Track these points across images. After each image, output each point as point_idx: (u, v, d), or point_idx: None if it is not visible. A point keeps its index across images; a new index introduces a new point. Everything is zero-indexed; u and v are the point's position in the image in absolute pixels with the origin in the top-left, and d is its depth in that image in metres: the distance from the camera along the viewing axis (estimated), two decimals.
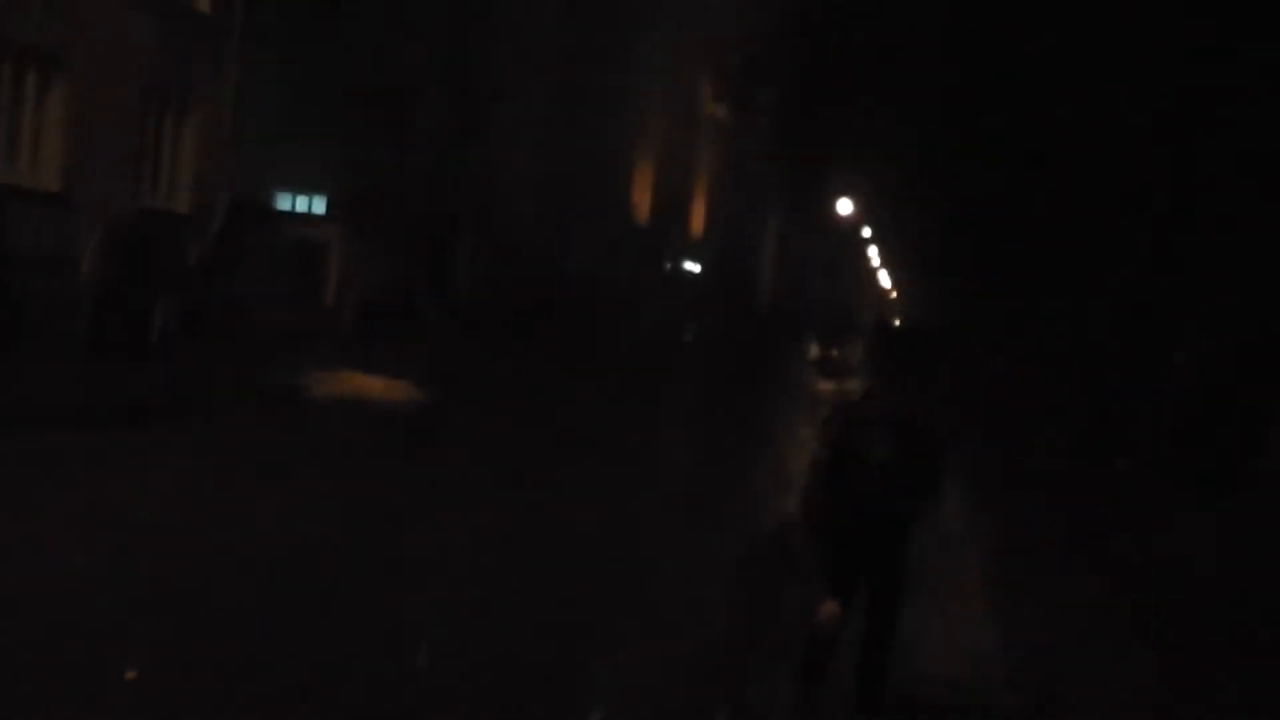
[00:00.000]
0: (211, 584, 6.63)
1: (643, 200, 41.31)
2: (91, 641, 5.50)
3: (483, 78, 30.69)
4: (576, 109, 31.82)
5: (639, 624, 6.91)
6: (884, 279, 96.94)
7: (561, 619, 6.77)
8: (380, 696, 5.29)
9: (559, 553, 8.34)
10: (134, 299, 16.54)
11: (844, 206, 67.69)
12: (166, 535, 7.56)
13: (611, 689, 5.74)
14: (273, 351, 17.62)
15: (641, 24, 36.08)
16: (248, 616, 6.13)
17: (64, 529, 7.42)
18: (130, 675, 5.12)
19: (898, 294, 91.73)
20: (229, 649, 5.62)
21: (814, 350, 36.92)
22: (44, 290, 14.97)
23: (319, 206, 30.31)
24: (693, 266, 49.71)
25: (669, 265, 45.67)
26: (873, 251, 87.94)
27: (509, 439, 13.65)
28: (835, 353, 35.11)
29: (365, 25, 30.96)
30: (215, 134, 19.72)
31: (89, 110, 16.68)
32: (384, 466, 11.20)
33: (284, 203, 31.08)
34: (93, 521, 7.67)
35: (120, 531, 7.49)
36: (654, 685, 5.86)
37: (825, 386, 26.74)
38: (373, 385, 16.36)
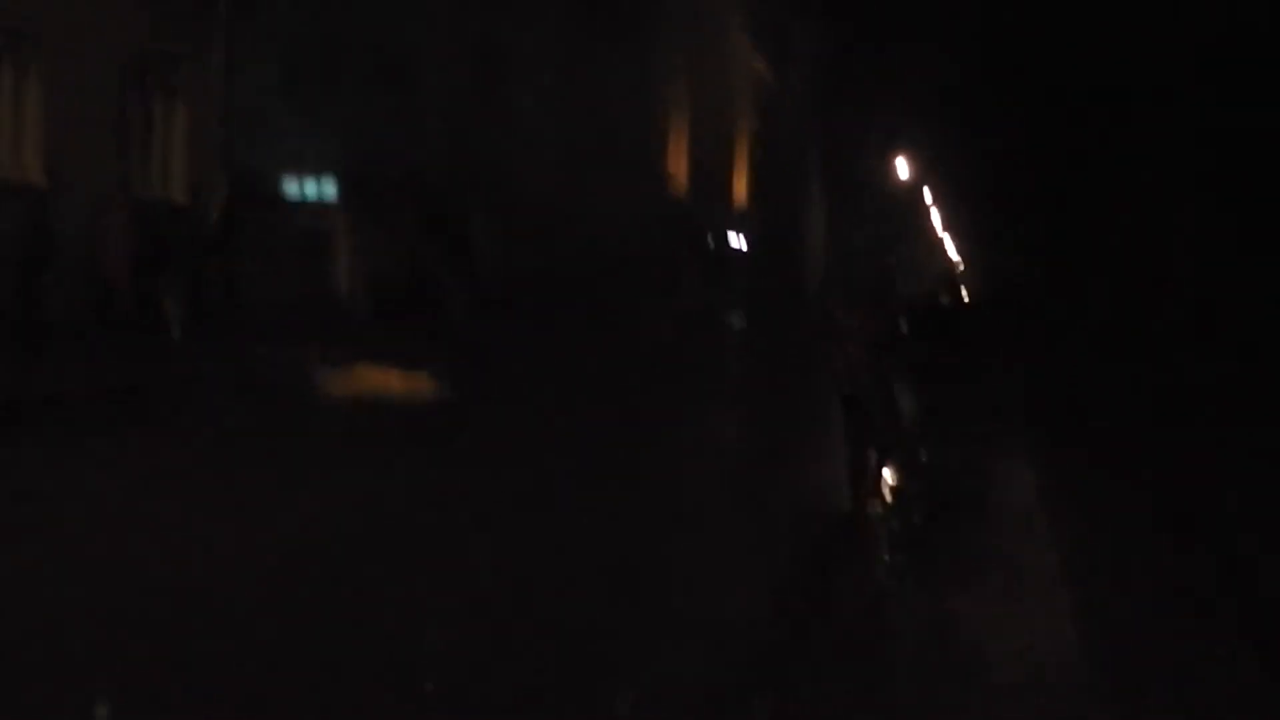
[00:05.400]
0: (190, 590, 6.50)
1: (679, 170, 40.75)
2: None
3: (494, 40, 30.19)
4: (600, 71, 31.26)
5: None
6: (949, 245, 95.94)
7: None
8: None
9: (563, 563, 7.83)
10: (142, 294, 16.56)
11: (901, 167, 66.72)
12: (159, 533, 7.59)
13: None
14: (281, 345, 17.39)
15: None
16: (238, 622, 6.06)
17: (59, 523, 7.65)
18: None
19: (962, 261, 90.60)
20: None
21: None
22: (30, 287, 14.92)
23: (328, 189, 29.98)
24: (737, 240, 49.15)
25: (710, 239, 45.10)
26: (934, 215, 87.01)
27: (531, 439, 13.14)
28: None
29: None
30: (206, 113, 19.33)
31: (67, 94, 16.36)
32: (393, 467, 10.79)
33: (290, 187, 30.78)
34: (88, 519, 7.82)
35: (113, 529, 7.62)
36: None
37: None
38: (387, 379, 16.01)
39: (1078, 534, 9.43)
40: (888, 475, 11.07)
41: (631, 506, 9.59)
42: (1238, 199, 20.76)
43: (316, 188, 29.09)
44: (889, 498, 10.52)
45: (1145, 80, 20.96)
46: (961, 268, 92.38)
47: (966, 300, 15.44)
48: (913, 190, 77.33)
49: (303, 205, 23.77)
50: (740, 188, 50.55)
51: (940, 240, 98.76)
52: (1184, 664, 6.22)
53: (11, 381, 10.93)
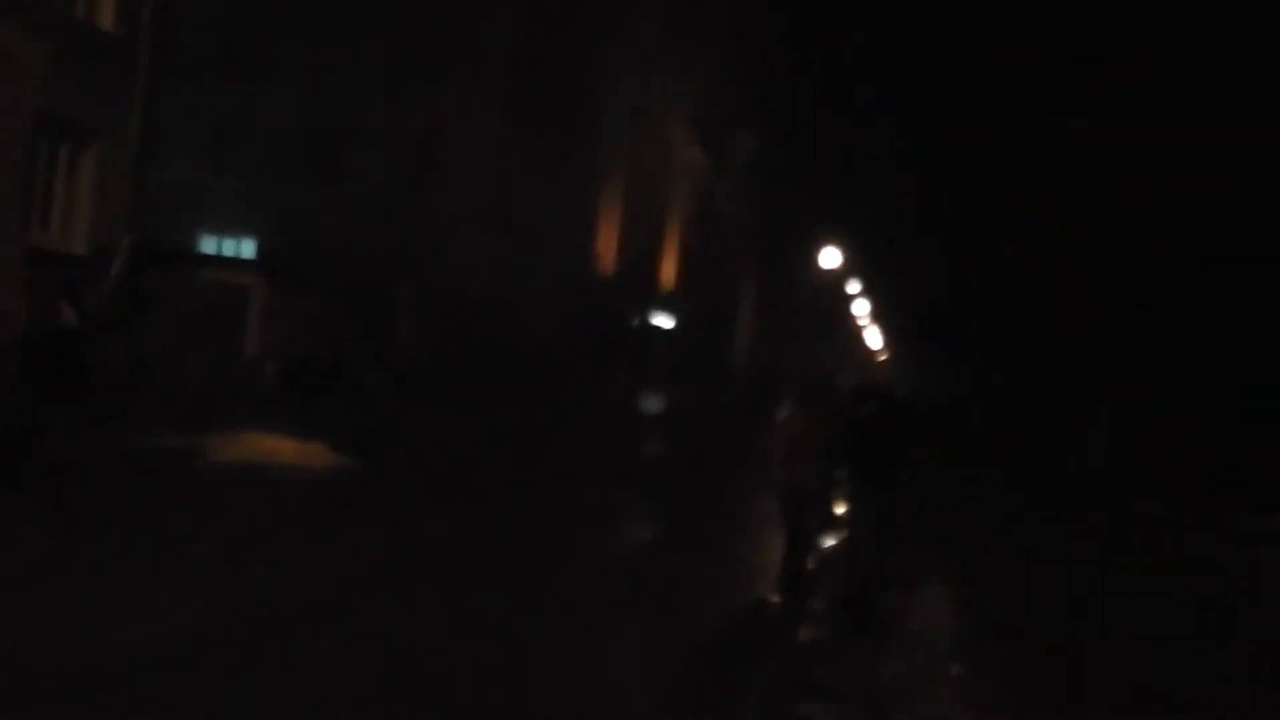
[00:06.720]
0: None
1: (608, 249, 40.56)
2: None
3: (428, 115, 29.84)
4: (533, 149, 31.06)
5: None
6: (871, 337, 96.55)
7: None
8: None
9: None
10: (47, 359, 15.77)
11: (828, 258, 67.06)
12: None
13: None
14: (175, 411, 16.80)
15: (608, 60, 35.52)
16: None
17: None
18: None
19: (886, 355, 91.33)
20: None
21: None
22: None
23: (246, 255, 29.30)
24: (664, 322, 48.92)
25: (636, 321, 44.83)
26: (859, 307, 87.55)
27: (426, 517, 12.69)
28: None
29: (298, 59, 30.09)
30: (117, 168, 18.75)
31: None
32: (274, 544, 10.38)
33: (208, 247, 30.06)
34: None
35: None
36: None
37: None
38: (283, 449, 15.51)
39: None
40: (817, 561, 11.68)
41: (539, 599, 9.38)
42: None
43: (235, 253, 28.44)
44: (815, 582, 10.95)
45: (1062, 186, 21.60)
46: (887, 369, 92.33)
47: (891, 405, 15.59)
48: (841, 292, 77.61)
49: (216, 266, 23.09)
50: (669, 271, 50.46)
51: (866, 343, 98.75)
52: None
53: None
